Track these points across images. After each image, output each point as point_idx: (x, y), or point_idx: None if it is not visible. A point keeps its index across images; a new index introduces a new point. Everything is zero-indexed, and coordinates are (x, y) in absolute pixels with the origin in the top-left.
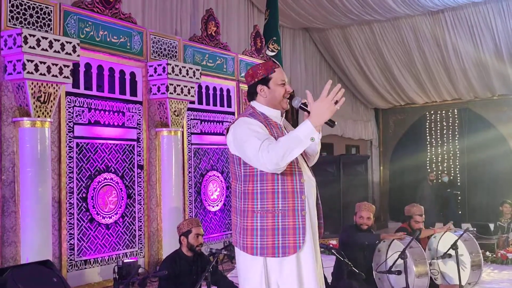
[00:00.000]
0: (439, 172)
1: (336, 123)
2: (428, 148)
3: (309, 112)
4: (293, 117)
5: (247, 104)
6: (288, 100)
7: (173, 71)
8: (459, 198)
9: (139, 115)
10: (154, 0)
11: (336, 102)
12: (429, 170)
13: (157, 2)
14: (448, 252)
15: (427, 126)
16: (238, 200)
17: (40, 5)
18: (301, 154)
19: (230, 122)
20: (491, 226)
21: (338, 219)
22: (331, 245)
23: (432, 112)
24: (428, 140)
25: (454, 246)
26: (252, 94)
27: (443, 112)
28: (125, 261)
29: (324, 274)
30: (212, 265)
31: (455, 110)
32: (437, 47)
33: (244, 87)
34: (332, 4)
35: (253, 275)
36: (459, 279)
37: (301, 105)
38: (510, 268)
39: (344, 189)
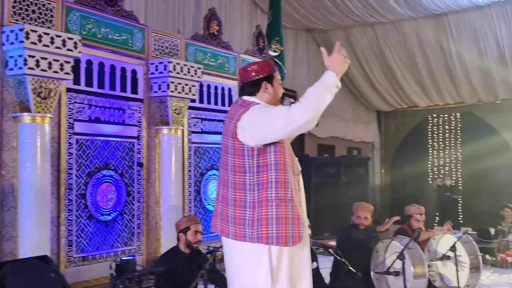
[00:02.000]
0: (441, 176)
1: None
2: (430, 151)
3: None
4: None
5: (241, 100)
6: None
7: (174, 69)
8: (460, 202)
9: (140, 113)
10: None
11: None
12: (436, 173)
13: (160, 1)
14: (446, 254)
15: (429, 130)
16: (250, 193)
17: (43, 1)
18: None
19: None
20: (492, 230)
21: (338, 220)
22: (331, 245)
23: (434, 115)
24: (430, 143)
25: (452, 248)
26: (253, 91)
27: (445, 115)
28: (122, 258)
29: (321, 274)
30: (210, 263)
31: (458, 114)
32: (440, 50)
33: None
34: (334, 4)
35: (258, 265)
36: (457, 281)
37: (291, 104)
38: (510, 271)
39: (344, 190)
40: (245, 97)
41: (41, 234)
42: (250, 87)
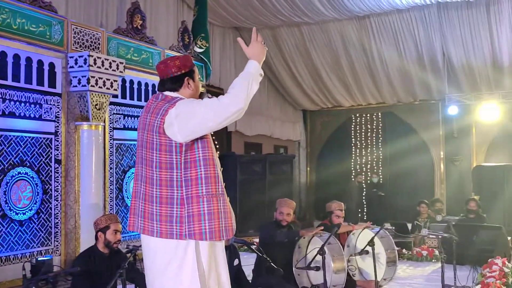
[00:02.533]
0: (362, 173)
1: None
2: (353, 150)
3: None
4: None
5: (162, 95)
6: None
7: (95, 63)
8: (383, 199)
9: (58, 108)
10: None
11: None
12: (358, 171)
13: None
14: (365, 249)
15: (353, 129)
16: (177, 189)
17: None
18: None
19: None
20: (409, 225)
21: (263, 218)
22: (254, 242)
23: (357, 115)
24: (353, 142)
25: (370, 243)
26: (175, 86)
27: (368, 115)
28: (38, 259)
29: (243, 271)
30: (130, 262)
31: (379, 114)
32: (362, 51)
33: None
34: (261, 3)
35: (184, 263)
36: (375, 275)
37: (219, 96)
38: (425, 264)
39: (269, 188)
40: (167, 93)
41: None
42: (172, 83)
